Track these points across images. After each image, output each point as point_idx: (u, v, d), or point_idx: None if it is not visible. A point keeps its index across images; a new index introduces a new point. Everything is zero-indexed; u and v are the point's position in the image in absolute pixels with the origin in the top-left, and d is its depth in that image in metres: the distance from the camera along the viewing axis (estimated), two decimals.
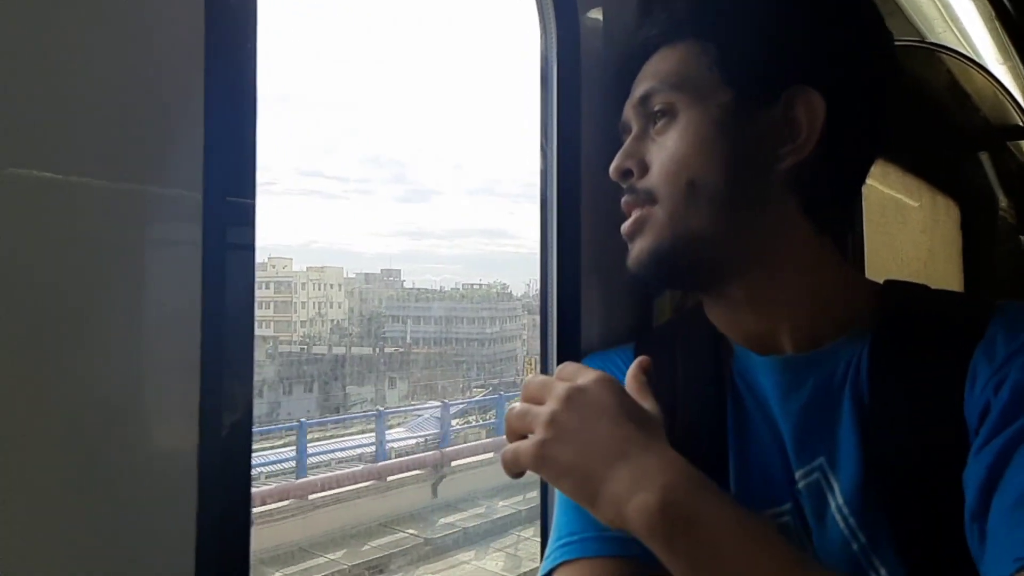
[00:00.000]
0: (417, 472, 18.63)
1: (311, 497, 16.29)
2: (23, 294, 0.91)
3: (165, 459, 1.04)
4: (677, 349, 1.46)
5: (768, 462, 1.31)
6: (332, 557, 15.54)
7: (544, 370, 1.72)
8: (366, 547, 16.13)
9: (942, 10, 4.55)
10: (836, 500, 1.24)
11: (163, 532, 1.04)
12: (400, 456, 20.10)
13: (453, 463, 19.21)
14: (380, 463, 19.03)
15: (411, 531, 16.89)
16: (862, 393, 1.26)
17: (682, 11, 1.43)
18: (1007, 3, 4.63)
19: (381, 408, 24.41)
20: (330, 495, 16.59)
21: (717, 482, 1.27)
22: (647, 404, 1.22)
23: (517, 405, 1.22)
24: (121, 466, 0.99)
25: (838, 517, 1.24)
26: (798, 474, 1.28)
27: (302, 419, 21.43)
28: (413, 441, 21.61)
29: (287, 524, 15.54)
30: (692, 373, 1.42)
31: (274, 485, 16.84)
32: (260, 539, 14.53)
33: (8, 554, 0.91)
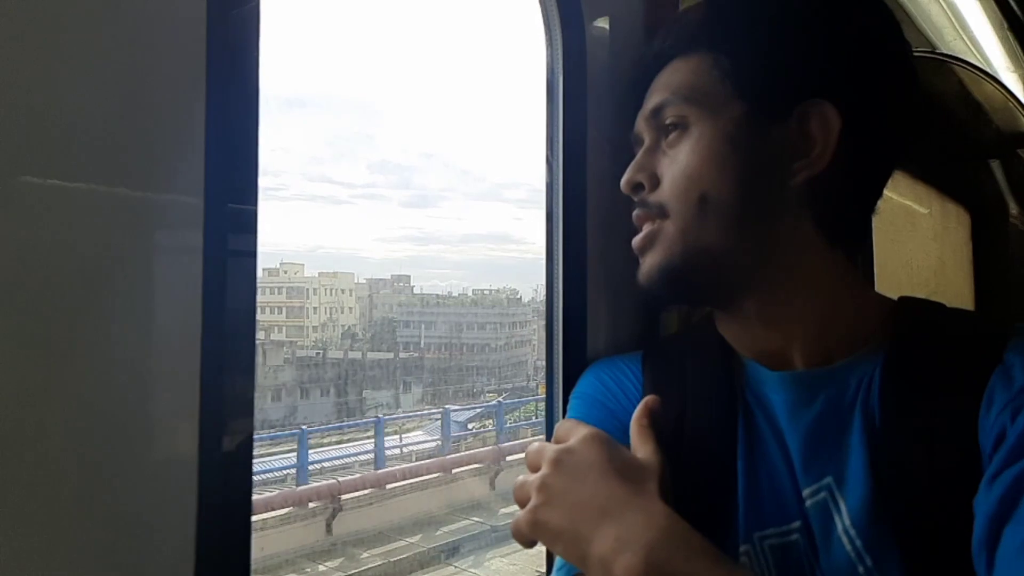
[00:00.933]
0: (477, 466, 19.75)
1: (388, 487, 17.47)
2: (24, 299, 0.92)
3: (165, 465, 1.04)
4: (687, 361, 1.44)
5: (778, 479, 1.30)
6: (410, 540, 16.66)
7: (550, 376, 1.72)
8: (439, 532, 17.35)
9: (952, 18, 4.54)
10: (843, 521, 1.23)
11: (163, 538, 1.04)
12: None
13: (508, 458, 20.07)
14: (446, 456, 20.35)
15: (476, 519, 17.93)
16: (873, 413, 1.25)
17: (695, 23, 1.42)
18: (1017, 11, 4.62)
19: (448, 406, 25.11)
20: (403, 485, 17.79)
21: (726, 498, 1.27)
22: (645, 450, 1.22)
23: (521, 476, 1.23)
24: (121, 472, 1.00)
25: (844, 539, 1.22)
26: (805, 492, 1.27)
27: (380, 415, 23.00)
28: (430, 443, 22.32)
29: (369, 511, 16.83)
30: (702, 386, 1.40)
31: (357, 475, 18.11)
32: (346, 523, 16.37)
33: (8, 557, 0.91)
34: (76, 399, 0.96)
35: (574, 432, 1.22)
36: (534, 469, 1.21)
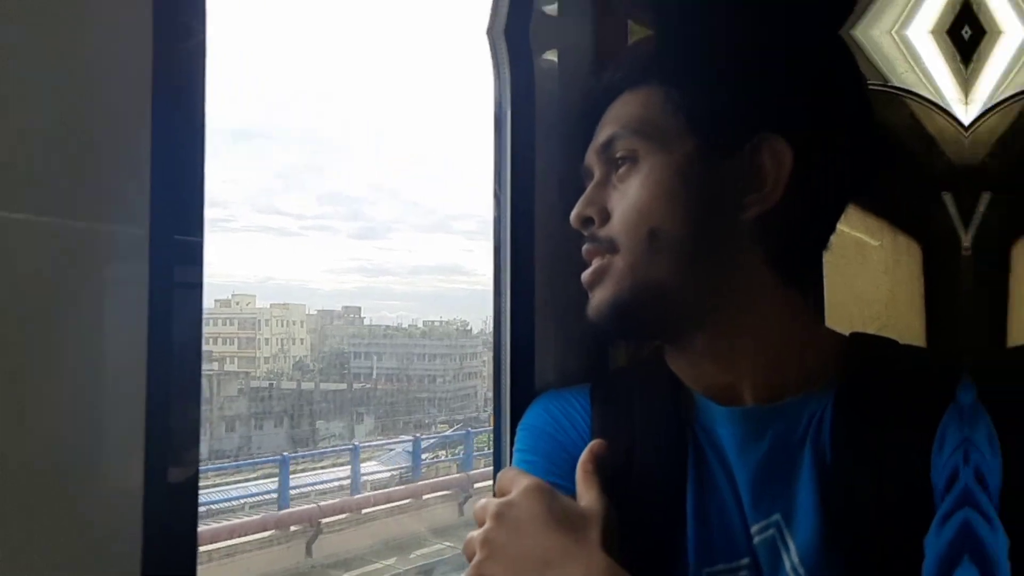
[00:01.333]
0: (445, 492, 20.44)
1: (364, 511, 18.17)
2: None
3: (110, 497, 1.03)
4: (636, 395, 1.43)
5: (727, 514, 1.29)
6: (387, 563, 17.43)
7: (497, 408, 1.71)
8: (413, 555, 18.04)
9: (904, 50, 4.58)
10: (792, 559, 1.23)
11: (108, 570, 1.03)
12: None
13: (476, 485, 20.42)
14: (417, 483, 21.10)
15: (448, 543, 18.27)
16: (824, 449, 1.25)
17: (646, 55, 1.42)
18: (969, 42, 4.66)
19: (417, 435, 25.42)
20: (376, 511, 18.49)
21: (675, 533, 1.27)
22: (589, 497, 1.22)
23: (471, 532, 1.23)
24: (65, 503, 0.98)
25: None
26: (754, 528, 1.26)
27: (355, 443, 23.74)
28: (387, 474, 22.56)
29: (345, 534, 17.42)
30: (651, 420, 1.39)
31: (337, 500, 18.86)
32: (325, 546, 16.86)
33: None
34: (19, 430, 0.94)
35: (516, 483, 1.22)
36: (480, 524, 1.20)
